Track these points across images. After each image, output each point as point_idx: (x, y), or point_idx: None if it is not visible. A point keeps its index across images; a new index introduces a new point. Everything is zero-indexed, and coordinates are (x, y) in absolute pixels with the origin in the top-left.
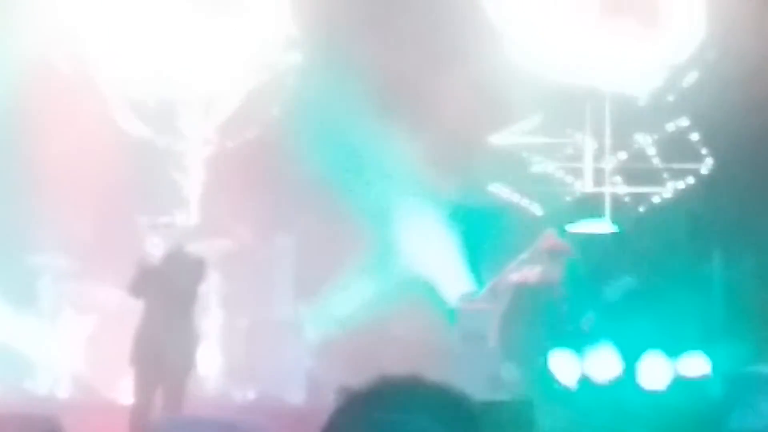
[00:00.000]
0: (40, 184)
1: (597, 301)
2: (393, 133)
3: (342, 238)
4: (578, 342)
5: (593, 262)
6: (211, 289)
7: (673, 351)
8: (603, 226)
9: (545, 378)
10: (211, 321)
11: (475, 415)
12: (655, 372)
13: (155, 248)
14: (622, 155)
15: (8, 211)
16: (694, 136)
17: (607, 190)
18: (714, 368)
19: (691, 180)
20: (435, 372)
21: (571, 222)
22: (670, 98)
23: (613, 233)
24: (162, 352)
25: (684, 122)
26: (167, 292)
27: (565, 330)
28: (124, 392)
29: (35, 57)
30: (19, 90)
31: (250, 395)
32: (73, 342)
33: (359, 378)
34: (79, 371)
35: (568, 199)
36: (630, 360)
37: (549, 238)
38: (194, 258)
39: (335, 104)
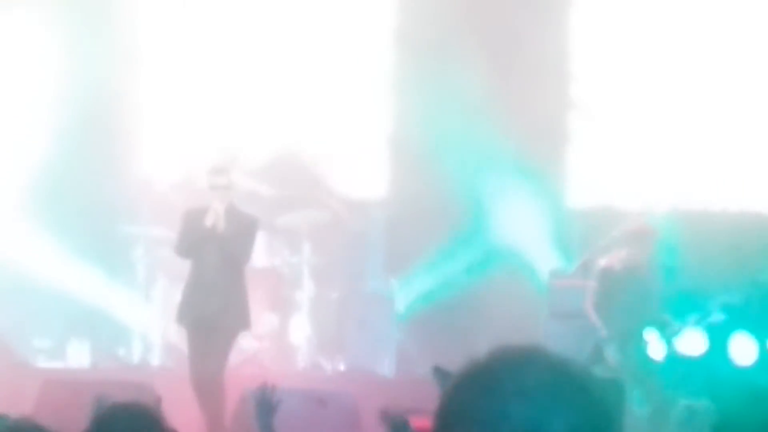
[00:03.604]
0: (133, 156)
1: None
2: (489, 110)
3: (434, 211)
4: (669, 321)
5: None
6: (302, 260)
7: (762, 331)
8: None
9: (637, 356)
10: (302, 293)
11: (601, 395)
12: (744, 349)
13: (213, 207)
14: None
15: (102, 182)
16: None
17: None
18: None
19: None
20: None
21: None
22: None
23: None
24: (213, 312)
25: None
26: (218, 251)
27: (655, 310)
28: None
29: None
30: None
31: (340, 367)
32: (166, 310)
33: (449, 351)
34: (172, 339)
35: None
36: (719, 338)
37: (635, 220)
38: (247, 218)
39: (430, 82)
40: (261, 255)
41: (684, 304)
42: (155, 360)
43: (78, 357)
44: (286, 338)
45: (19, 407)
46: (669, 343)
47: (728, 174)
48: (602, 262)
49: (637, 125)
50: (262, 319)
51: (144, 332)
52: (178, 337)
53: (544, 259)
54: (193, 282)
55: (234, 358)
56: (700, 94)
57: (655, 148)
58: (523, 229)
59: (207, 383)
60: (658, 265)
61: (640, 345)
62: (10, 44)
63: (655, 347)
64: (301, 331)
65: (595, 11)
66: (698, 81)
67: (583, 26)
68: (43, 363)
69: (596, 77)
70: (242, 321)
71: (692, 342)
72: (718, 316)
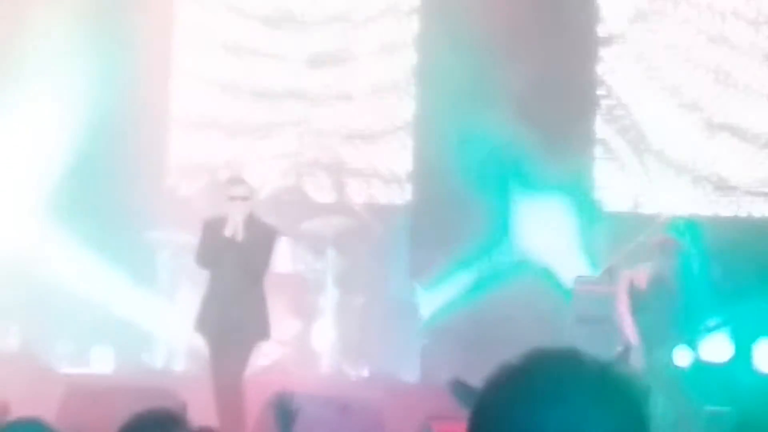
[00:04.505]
0: (157, 160)
1: (711, 291)
2: (515, 114)
3: (459, 217)
4: (694, 331)
5: (706, 253)
6: (326, 266)
7: None
8: None
9: (663, 363)
10: (326, 298)
11: (639, 399)
12: None
13: (232, 217)
14: None
15: (128, 188)
16: None
17: None
18: None
19: None
20: None
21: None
22: None
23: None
24: (231, 322)
25: None
26: (238, 261)
27: (681, 325)
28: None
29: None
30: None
31: (364, 373)
32: (190, 316)
33: (473, 356)
34: (195, 345)
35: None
36: (744, 344)
37: (659, 231)
38: (267, 228)
39: (455, 85)
40: (285, 261)
41: (710, 312)
42: (179, 366)
43: (101, 363)
44: (310, 344)
45: (41, 413)
46: (694, 349)
47: (752, 180)
48: (628, 276)
49: (665, 129)
50: (286, 324)
51: (168, 338)
52: (203, 343)
53: (570, 265)
54: (211, 292)
55: (258, 364)
56: (730, 98)
57: (681, 153)
58: (548, 234)
59: (227, 392)
60: (684, 273)
61: (666, 352)
62: (38, 51)
63: (681, 354)
64: (324, 336)
65: (623, 8)
66: (727, 84)
67: (610, 25)
68: (67, 369)
69: (624, 79)
70: (262, 331)
71: (717, 349)
72: (742, 321)
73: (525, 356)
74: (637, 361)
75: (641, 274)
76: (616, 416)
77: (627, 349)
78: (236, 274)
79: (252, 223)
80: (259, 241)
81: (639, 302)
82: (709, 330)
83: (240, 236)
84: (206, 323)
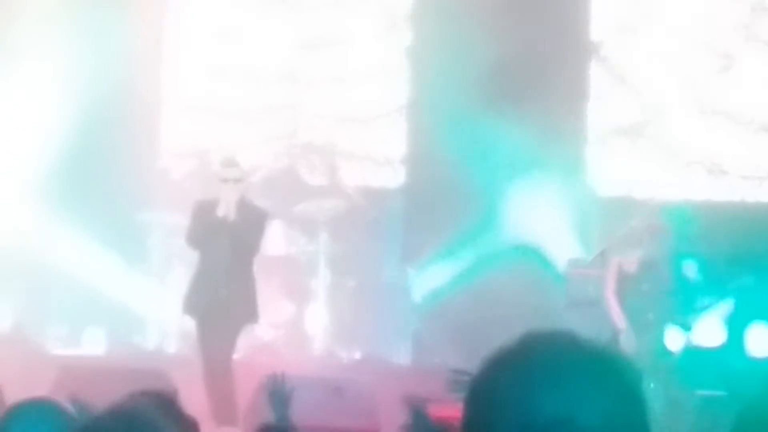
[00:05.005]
0: (149, 143)
1: (703, 276)
2: (509, 98)
3: (452, 200)
4: (685, 320)
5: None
6: (319, 249)
7: None
8: None
9: (654, 347)
10: (318, 281)
11: (635, 380)
12: (761, 340)
13: (224, 199)
14: None
15: (120, 169)
16: None
17: None
18: None
19: None
20: None
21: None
22: None
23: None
24: (220, 303)
25: None
26: (229, 242)
27: (672, 308)
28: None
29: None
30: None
31: (356, 355)
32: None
33: (465, 339)
34: (187, 326)
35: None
36: (737, 329)
37: (649, 216)
38: (258, 210)
39: (448, 68)
40: (278, 243)
41: (702, 296)
42: (171, 348)
43: (93, 344)
44: (303, 327)
45: (34, 394)
46: (686, 334)
47: (745, 165)
48: (617, 262)
49: (658, 114)
50: (279, 307)
51: (160, 320)
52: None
53: (563, 249)
54: (201, 273)
55: (250, 346)
56: (723, 82)
57: (674, 138)
58: (541, 218)
59: (216, 373)
60: (675, 258)
61: (657, 336)
62: (31, 34)
63: (672, 338)
64: (317, 319)
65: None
66: (721, 69)
67: (605, 11)
68: (59, 350)
69: (618, 65)
70: (250, 313)
71: (709, 333)
72: (733, 300)
73: (520, 339)
74: (627, 346)
75: (631, 259)
76: (612, 398)
77: (615, 334)
78: (226, 256)
79: (243, 205)
80: (250, 223)
81: (629, 287)
82: (701, 310)
83: (232, 217)
84: (195, 304)
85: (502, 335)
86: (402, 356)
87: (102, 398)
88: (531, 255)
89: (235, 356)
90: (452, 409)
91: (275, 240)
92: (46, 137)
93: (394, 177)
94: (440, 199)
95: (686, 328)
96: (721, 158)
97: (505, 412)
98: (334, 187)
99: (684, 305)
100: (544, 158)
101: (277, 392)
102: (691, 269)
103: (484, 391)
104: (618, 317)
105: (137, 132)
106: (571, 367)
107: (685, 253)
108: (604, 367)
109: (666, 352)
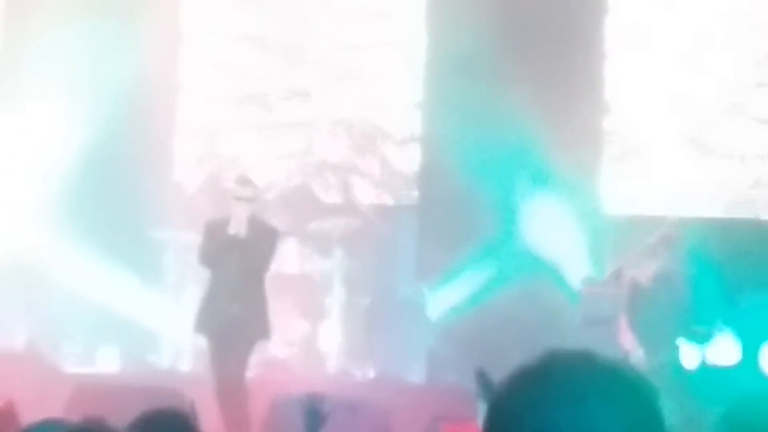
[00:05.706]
0: (163, 160)
1: (718, 291)
2: (523, 115)
3: (466, 217)
4: (701, 331)
5: (713, 252)
6: (333, 266)
7: None
8: None
9: (669, 366)
10: (333, 299)
11: (652, 398)
12: None
13: (236, 217)
14: None
15: (133, 187)
16: None
17: None
18: None
19: None
20: None
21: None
22: None
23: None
24: (232, 320)
25: None
26: (241, 260)
27: (687, 320)
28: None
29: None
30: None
31: (370, 373)
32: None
33: (480, 357)
34: (202, 345)
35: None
36: (751, 347)
37: (663, 230)
38: (269, 228)
39: (462, 86)
40: (292, 261)
41: (717, 314)
42: (185, 366)
43: (107, 362)
44: (317, 344)
45: (47, 413)
46: (701, 352)
47: (761, 182)
48: (630, 276)
49: (673, 133)
50: (293, 325)
51: (174, 338)
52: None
53: (577, 267)
54: (212, 291)
55: (264, 364)
56: (733, 101)
57: (689, 156)
58: (555, 236)
59: (229, 391)
60: (690, 274)
61: (672, 354)
62: (44, 45)
63: (688, 356)
64: (331, 337)
65: (630, 15)
66: (732, 88)
67: (618, 30)
68: (73, 368)
69: (631, 84)
70: (262, 330)
71: (725, 351)
72: (750, 324)
73: (540, 358)
74: (641, 363)
75: (646, 272)
76: (630, 416)
77: (627, 353)
78: (238, 273)
79: (254, 223)
80: (261, 240)
81: (644, 301)
82: (716, 326)
83: (243, 235)
84: (206, 322)
85: (516, 354)
86: (416, 374)
87: (116, 416)
88: (545, 273)
89: (249, 374)
90: (468, 427)
91: (289, 258)
92: (58, 153)
93: (408, 194)
94: (455, 216)
95: (702, 340)
96: (736, 176)
97: (525, 430)
98: (348, 205)
99: (699, 321)
100: (560, 176)
101: (311, 414)
102: (706, 287)
103: (504, 409)
104: (629, 341)
105: (151, 150)
106: (590, 385)
107: (700, 268)
108: (621, 386)
109: (681, 370)
